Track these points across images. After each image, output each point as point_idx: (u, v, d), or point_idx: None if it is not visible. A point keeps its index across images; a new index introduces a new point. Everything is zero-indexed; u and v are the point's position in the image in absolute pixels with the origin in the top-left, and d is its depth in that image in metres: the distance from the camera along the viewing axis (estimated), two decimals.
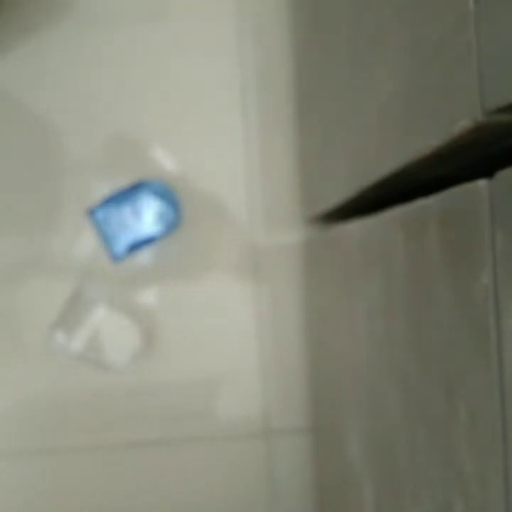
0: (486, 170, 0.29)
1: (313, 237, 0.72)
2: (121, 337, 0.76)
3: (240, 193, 0.79)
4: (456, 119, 0.30)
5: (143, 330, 0.77)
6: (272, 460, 0.80)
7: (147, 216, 0.76)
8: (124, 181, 0.77)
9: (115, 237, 0.76)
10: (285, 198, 0.80)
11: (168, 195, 0.76)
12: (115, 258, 0.76)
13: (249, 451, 0.79)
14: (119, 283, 0.78)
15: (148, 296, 0.78)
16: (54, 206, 0.78)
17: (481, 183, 0.28)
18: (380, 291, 0.44)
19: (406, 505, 0.40)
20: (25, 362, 0.77)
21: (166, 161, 0.78)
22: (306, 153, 0.73)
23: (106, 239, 0.76)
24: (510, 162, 0.28)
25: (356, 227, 0.50)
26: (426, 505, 0.37)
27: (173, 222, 0.76)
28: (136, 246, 0.76)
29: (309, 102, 0.69)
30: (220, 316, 0.79)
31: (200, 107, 0.79)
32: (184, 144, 0.79)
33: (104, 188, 0.78)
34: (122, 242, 0.76)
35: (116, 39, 0.78)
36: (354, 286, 0.51)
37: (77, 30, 0.78)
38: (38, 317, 0.77)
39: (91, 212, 0.76)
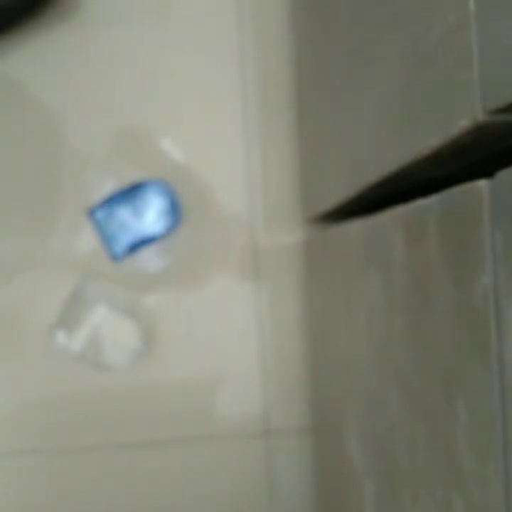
0: (486, 170, 0.29)
1: (313, 237, 0.72)
2: (121, 337, 0.76)
3: (240, 193, 0.79)
4: (456, 119, 0.30)
5: (143, 330, 0.77)
6: (271, 460, 0.80)
7: (147, 216, 0.76)
8: (123, 180, 0.77)
9: (115, 237, 0.76)
10: (285, 198, 0.80)
11: (168, 195, 0.76)
12: (115, 258, 0.76)
13: (249, 451, 0.79)
14: (119, 283, 0.78)
15: (148, 296, 0.78)
16: (55, 205, 0.78)
17: (481, 183, 0.28)
18: (380, 291, 0.44)
19: (406, 505, 0.40)
20: (25, 362, 0.77)
21: (165, 161, 0.78)
22: (306, 153, 0.73)
23: (106, 239, 0.76)
24: (510, 162, 0.28)
25: (356, 227, 0.50)
26: (426, 505, 0.37)
27: (173, 222, 0.77)
28: (136, 246, 0.76)
29: (309, 102, 0.69)
30: (220, 315, 0.79)
31: (200, 106, 0.79)
32: (184, 143, 0.79)
33: (103, 187, 0.78)
34: (122, 242, 0.76)
35: (118, 37, 0.78)
36: (354, 286, 0.51)
37: (82, 27, 0.78)
38: (38, 317, 0.77)
39: (91, 212, 0.76)
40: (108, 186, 0.78)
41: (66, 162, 0.78)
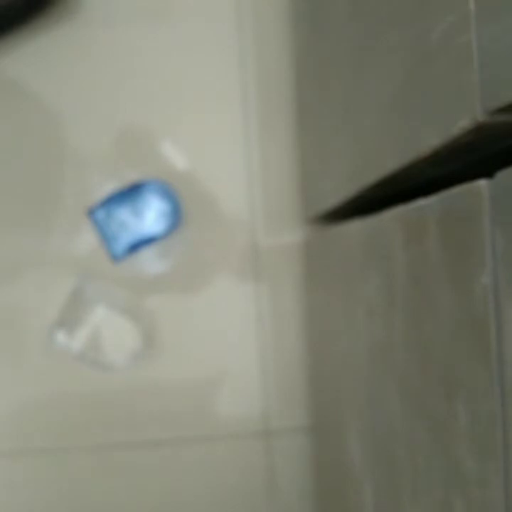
0: (486, 170, 0.29)
1: (313, 237, 0.72)
2: (121, 337, 0.76)
3: (240, 193, 0.79)
4: (456, 119, 0.30)
5: (143, 330, 0.77)
6: (271, 460, 0.80)
7: (147, 216, 0.76)
8: (123, 180, 0.77)
9: (115, 237, 0.76)
10: (285, 198, 0.80)
11: (168, 195, 0.76)
12: (115, 258, 0.76)
13: (249, 451, 0.79)
14: (119, 283, 0.78)
15: (148, 296, 0.78)
16: (55, 204, 0.78)
17: (481, 183, 0.28)
18: (379, 291, 0.44)
19: (406, 505, 0.40)
20: (26, 362, 0.77)
21: (165, 161, 0.78)
22: (306, 154, 0.73)
23: (106, 239, 0.76)
24: (510, 162, 0.28)
25: (356, 227, 0.50)
26: (426, 505, 0.37)
27: (174, 222, 0.77)
28: (136, 246, 0.76)
29: (309, 102, 0.69)
30: (220, 315, 0.79)
31: (200, 106, 0.79)
32: (184, 144, 0.79)
33: (104, 187, 0.78)
34: (122, 242, 0.76)
35: (118, 37, 0.78)
36: (354, 286, 0.51)
37: (83, 27, 0.78)
38: (38, 317, 0.77)
39: (91, 212, 0.76)
40: (108, 186, 0.78)
41: (66, 162, 0.78)
